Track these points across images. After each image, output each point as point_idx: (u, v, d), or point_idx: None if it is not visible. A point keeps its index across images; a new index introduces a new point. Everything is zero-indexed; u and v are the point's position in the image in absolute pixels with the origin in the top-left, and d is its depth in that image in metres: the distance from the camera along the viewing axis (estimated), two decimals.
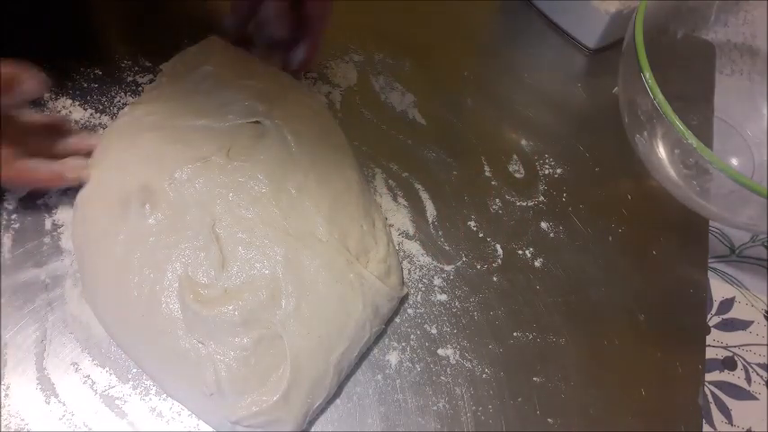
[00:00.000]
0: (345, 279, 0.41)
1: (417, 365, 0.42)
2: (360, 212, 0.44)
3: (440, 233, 0.47)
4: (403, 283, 0.44)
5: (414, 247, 0.47)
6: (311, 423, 0.40)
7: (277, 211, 0.42)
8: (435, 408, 0.41)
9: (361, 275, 0.41)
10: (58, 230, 0.44)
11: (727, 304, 0.48)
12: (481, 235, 0.48)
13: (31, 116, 0.44)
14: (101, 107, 0.49)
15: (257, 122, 0.46)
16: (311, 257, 0.41)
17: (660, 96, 0.40)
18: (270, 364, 0.38)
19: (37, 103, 0.48)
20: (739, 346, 0.46)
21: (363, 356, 0.42)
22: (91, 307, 0.41)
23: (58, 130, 0.44)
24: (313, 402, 0.39)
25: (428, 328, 0.44)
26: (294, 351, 0.39)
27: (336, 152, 0.47)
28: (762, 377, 0.45)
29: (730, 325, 0.47)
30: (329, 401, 0.40)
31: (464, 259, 0.47)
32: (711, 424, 0.43)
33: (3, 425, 0.37)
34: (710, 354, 0.45)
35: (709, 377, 0.44)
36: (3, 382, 0.38)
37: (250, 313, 0.39)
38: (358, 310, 0.40)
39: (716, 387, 0.44)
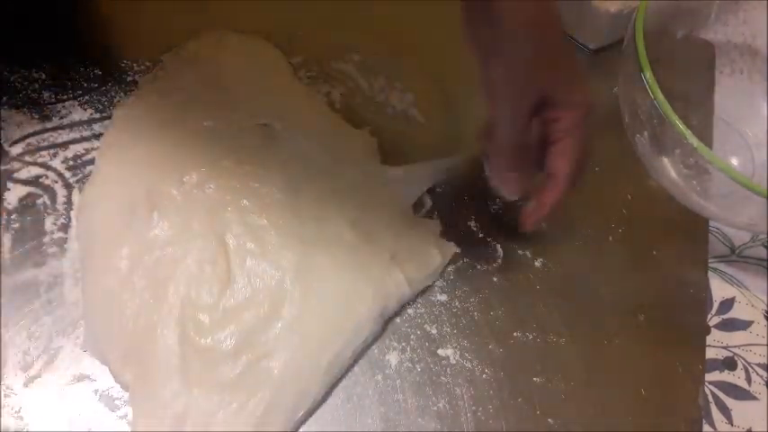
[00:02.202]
0: (368, 277, 0.40)
1: (417, 365, 0.42)
2: (388, 213, 0.44)
3: (440, 233, 0.47)
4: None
5: None
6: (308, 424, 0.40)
7: (293, 218, 0.42)
8: (435, 408, 0.41)
9: (390, 273, 0.41)
10: (58, 230, 0.44)
11: (727, 304, 0.48)
12: (481, 235, 0.48)
13: None
14: (101, 107, 0.49)
15: (264, 125, 0.45)
16: (326, 260, 0.40)
17: (660, 96, 0.40)
18: (249, 392, 0.38)
19: (37, 103, 0.48)
20: (739, 346, 0.46)
21: (363, 356, 0.42)
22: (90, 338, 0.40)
23: None
24: (295, 416, 0.38)
25: (428, 328, 0.43)
26: (280, 371, 0.38)
27: (355, 152, 0.47)
28: (762, 377, 0.45)
29: (730, 325, 0.47)
30: (329, 402, 0.40)
31: (464, 259, 0.46)
32: (711, 424, 0.43)
33: (3, 425, 0.37)
34: (710, 354, 0.45)
35: (709, 377, 0.44)
36: (3, 382, 0.38)
37: (245, 337, 0.38)
38: (364, 310, 0.40)
39: (716, 387, 0.44)
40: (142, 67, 0.51)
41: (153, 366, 0.38)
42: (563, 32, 0.35)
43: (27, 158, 0.46)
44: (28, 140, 0.46)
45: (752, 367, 0.45)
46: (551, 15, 0.33)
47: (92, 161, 0.46)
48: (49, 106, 0.48)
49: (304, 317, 0.39)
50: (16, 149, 0.46)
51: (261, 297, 0.39)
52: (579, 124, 0.36)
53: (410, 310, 0.44)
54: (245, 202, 0.42)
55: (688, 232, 0.50)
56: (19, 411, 0.38)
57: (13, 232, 0.43)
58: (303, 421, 0.39)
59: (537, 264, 0.47)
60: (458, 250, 0.45)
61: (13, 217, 0.44)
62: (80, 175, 0.46)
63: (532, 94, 0.34)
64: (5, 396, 0.38)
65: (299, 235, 0.41)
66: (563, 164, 0.36)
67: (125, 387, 0.39)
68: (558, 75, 0.34)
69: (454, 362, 0.42)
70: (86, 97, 0.49)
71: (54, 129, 0.47)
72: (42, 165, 0.46)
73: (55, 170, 0.46)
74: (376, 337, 0.42)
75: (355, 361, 0.41)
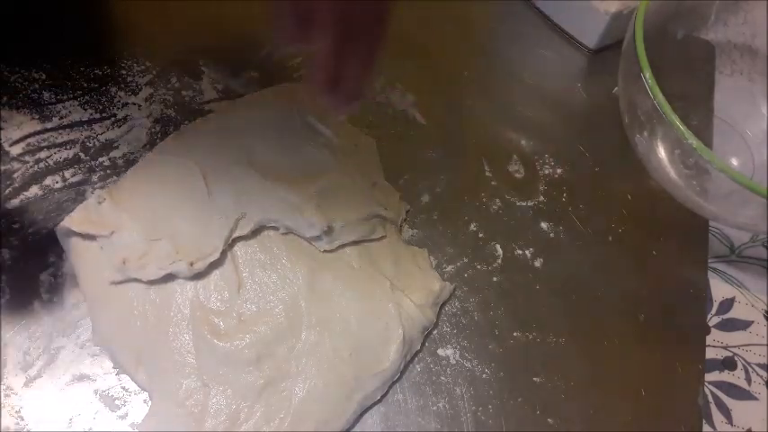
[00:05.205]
0: (383, 310, 0.40)
1: (417, 365, 0.42)
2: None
3: (440, 233, 0.47)
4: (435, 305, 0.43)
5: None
6: None
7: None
8: (435, 408, 0.41)
9: (400, 305, 0.40)
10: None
11: (727, 304, 0.48)
12: (481, 235, 0.48)
13: None
14: (101, 107, 0.49)
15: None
16: (339, 284, 0.40)
17: (660, 96, 0.40)
18: (272, 409, 0.37)
19: (37, 103, 0.48)
20: (739, 346, 0.46)
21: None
22: (98, 336, 0.40)
23: None
24: None
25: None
26: (302, 396, 0.37)
27: (355, 153, 0.47)
28: (762, 377, 0.45)
29: (730, 325, 0.47)
30: None
31: (464, 259, 0.46)
32: (711, 424, 0.43)
33: (3, 425, 0.37)
34: (710, 354, 0.45)
35: (709, 377, 0.44)
36: (3, 382, 0.38)
37: (266, 347, 0.38)
38: (395, 346, 0.39)
39: (716, 387, 0.44)
40: (142, 67, 0.51)
41: (168, 365, 0.38)
42: None
43: (27, 158, 0.46)
44: (28, 140, 0.46)
45: (752, 367, 0.45)
46: None
47: None
48: (49, 106, 0.48)
49: (325, 345, 0.38)
50: (16, 149, 0.46)
51: (277, 310, 0.39)
52: None
53: None
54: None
55: (688, 232, 0.50)
56: (19, 411, 0.38)
57: (13, 232, 0.43)
58: None
59: (537, 264, 0.47)
60: (451, 286, 0.44)
61: (13, 217, 0.44)
62: (80, 176, 0.46)
63: None
64: (5, 396, 0.38)
65: (306, 248, 0.41)
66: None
67: (141, 386, 0.39)
68: None
69: (454, 362, 0.42)
70: (86, 97, 0.49)
71: (54, 129, 0.47)
72: (42, 165, 0.46)
73: (55, 170, 0.46)
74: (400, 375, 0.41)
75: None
